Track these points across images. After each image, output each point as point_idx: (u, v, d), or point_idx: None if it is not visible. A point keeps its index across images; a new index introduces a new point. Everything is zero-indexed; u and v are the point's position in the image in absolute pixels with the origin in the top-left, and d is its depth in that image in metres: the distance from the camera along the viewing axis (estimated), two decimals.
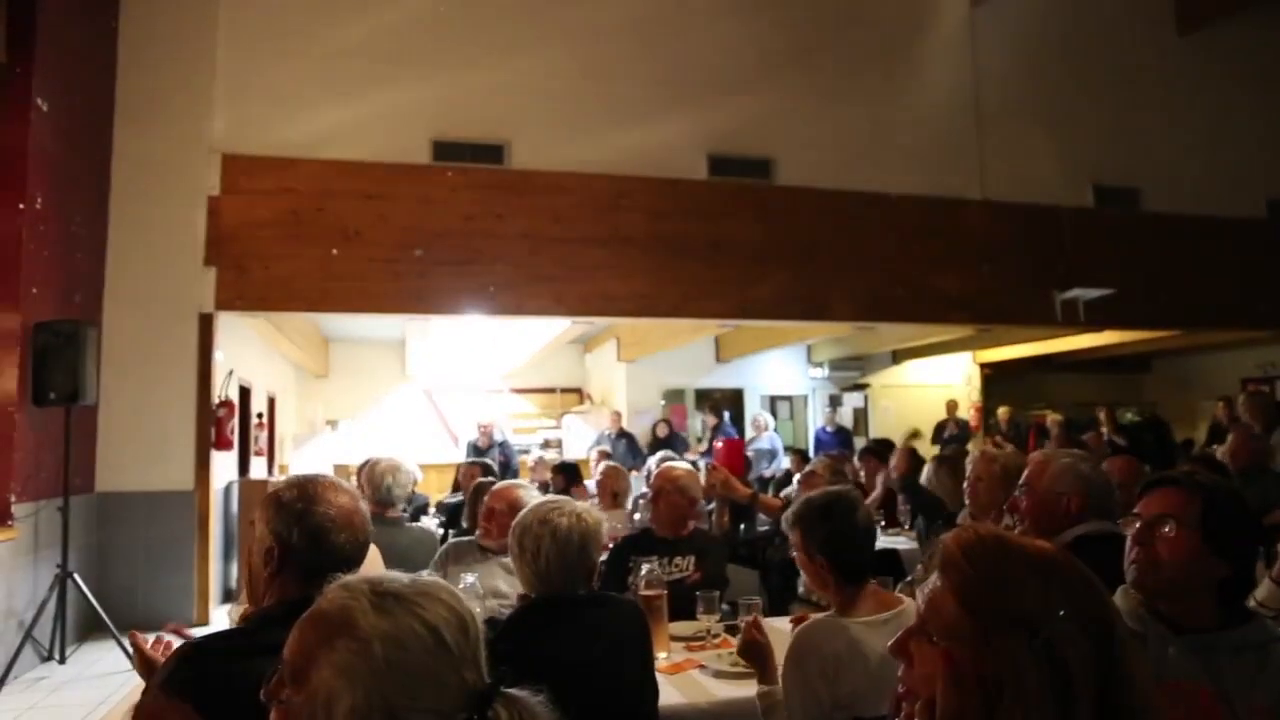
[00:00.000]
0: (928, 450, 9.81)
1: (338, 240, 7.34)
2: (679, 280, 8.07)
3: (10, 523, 5.50)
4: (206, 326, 7.13)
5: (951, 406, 12.73)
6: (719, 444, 11.09)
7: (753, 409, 13.51)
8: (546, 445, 13.43)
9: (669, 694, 2.49)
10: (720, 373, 13.77)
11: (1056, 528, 2.62)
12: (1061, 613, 1.04)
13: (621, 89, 8.27)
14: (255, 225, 7.23)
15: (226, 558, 8.05)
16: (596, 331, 13.37)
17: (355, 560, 1.80)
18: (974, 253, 8.89)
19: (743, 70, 8.66)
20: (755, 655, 2.47)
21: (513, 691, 1.10)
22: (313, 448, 13.21)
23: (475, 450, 10.65)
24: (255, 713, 1.51)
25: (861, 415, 14.38)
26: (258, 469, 10.01)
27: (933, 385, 14.06)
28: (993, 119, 9.31)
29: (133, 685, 5.16)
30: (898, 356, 14.29)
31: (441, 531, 6.05)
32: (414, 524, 4.82)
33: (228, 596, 7.91)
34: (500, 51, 8.07)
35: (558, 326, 11.11)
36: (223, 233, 7.17)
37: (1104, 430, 10.18)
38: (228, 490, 8.25)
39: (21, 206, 5.80)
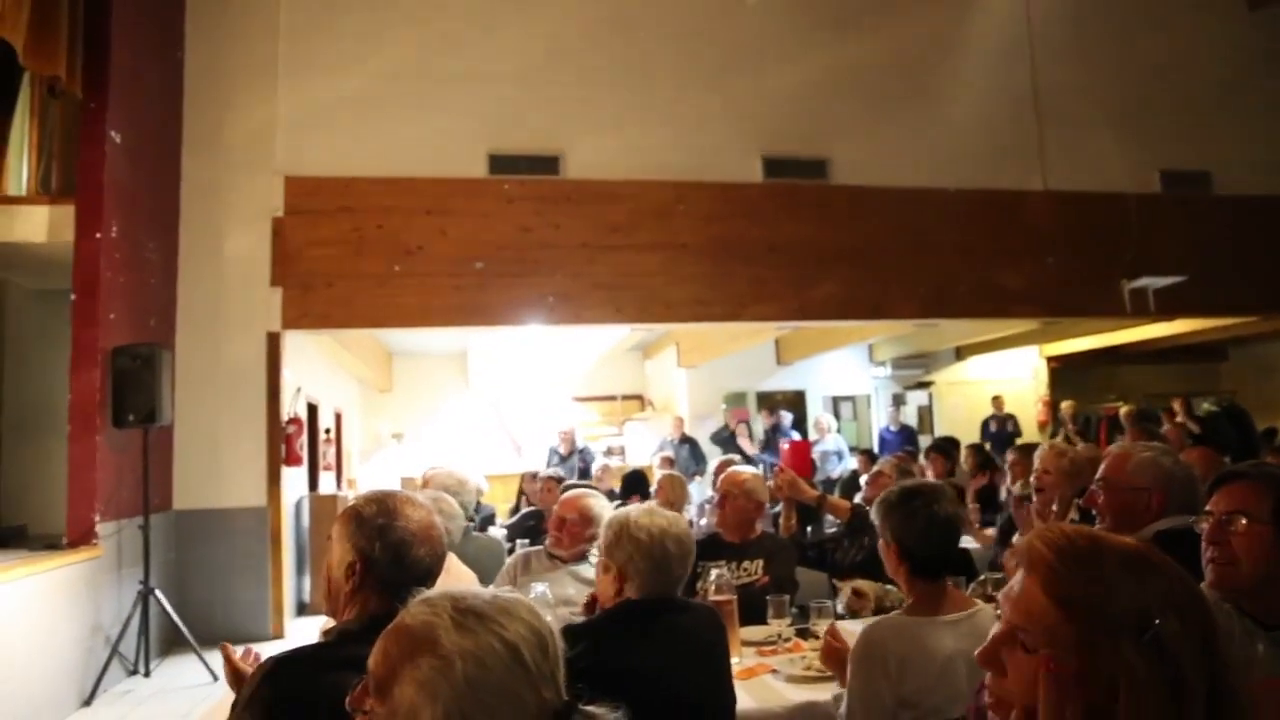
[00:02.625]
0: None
1: (399, 256, 7.46)
2: (737, 284, 8.04)
3: (95, 541, 5.68)
4: (274, 345, 7.29)
5: (998, 403, 12.48)
6: (785, 445, 11.01)
7: (815, 410, 13.40)
8: (609, 453, 13.46)
9: (742, 699, 2.48)
10: (781, 375, 13.68)
11: (1136, 524, 2.54)
12: (1165, 611, 1.00)
13: (674, 94, 8.27)
14: (318, 244, 7.37)
15: (299, 572, 8.20)
16: (656, 338, 13.38)
17: (434, 573, 1.82)
18: (1037, 244, 8.70)
19: (796, 70, 8.60)
20: (836, 661, 2.46)
21: (590, 709, 1.11)
22: (379, 462, 13.42)
23: (559, 458, 10.73)
24: None
25: (926, 413, 14.17)
26: (327, 484, 10.20)
27: (998, 381, 13.80)
28: (1052, 107, 9.10)
29: (217, 698, 5.31)
30: (961, 353, 14.05)
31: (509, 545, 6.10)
32: (480, 534, 4.87)
33: (301, 610, 8.06)
34: (553, 62, 8.12)
35: (617, 334, 11.16)
36: (287, 253, 7.33)
37: (1181, 421, 9.88)
38: (299, 506, 8.41)
39: (99, 235, 6.00)
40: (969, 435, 10.68)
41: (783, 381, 13.72)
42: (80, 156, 6.17)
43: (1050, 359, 14.06)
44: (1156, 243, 8.86)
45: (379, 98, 7.76)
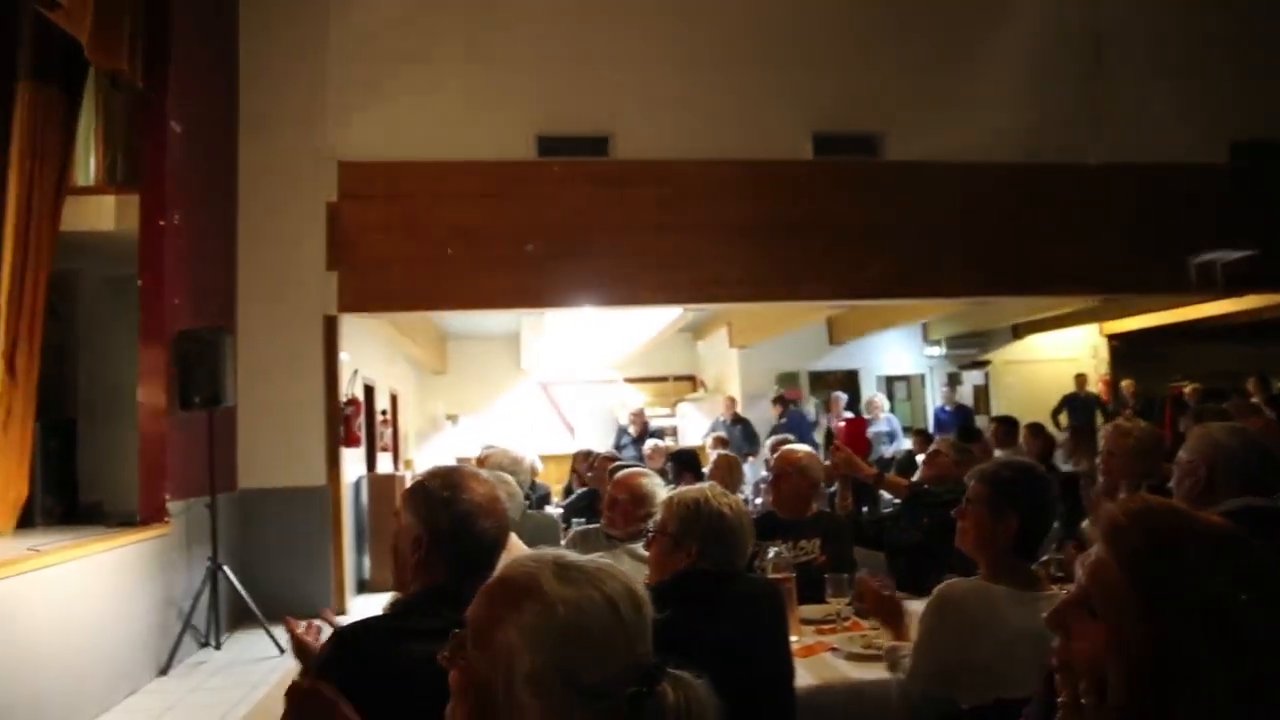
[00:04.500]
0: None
1: (451, 239, 7.54)
2: (788, 263, 7.99)
3: (166, 519, 5.89)
4: (331, 328, 7.43)
5: (1081, 380, 12.23)
6: (840, 424, 10.94)
7: (868, 390, 13.28)
8: (661, 434, 13.50)
9: (802, 677, 2.49)
10: (834, 355, 13.58)
11: (1210, 502, 2.51)
12: (1245, 593, 0.98)
13: (723, 73, 8.22)
14: (372, 228, 7.49)
15: (359, 551, 8.38)
16: (707, 318, 13.35)
17: (499, 545, 1.86)
18: (1098, 219, 8.49)
19: (845, 45, 8.49)
20: (887, 609, 2.47)
21: (677, 671, 1.13)
22: (435, 443, 13.61)
23: (630, 438, 10.80)
24: (403, 692, 1.59)
25: (982, 393, 13.97)
26: (384, 464, 10.38)
27: (1057, 360, 13.54)
28: (1112, 77, 8.86)
29: (285, 669, 5.47)
30: (1019, 331, 13.80)
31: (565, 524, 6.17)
32: (536, 512, 4.93)
33: (362, 587, 8.24)
34: (600, 44, 8.13)
35: (669, 315, 11.15)
36: (343, 237, 7.46)
37: (1256, 401, 9.59)
38: (358, 485, 8.58)
39: (162, 223, 6.17)
40: (1027, 415, 10.51)
41: (835, 361, 13.62)
42: (142, 146, 6.34)
43: (1111, 337, 13.75)
44: (1225, 216, 8.61)
45: (429, 81, 7.84)
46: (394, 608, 1.85)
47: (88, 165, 6.61)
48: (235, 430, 7.20)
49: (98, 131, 6.66)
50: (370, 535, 8.64)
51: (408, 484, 7.15)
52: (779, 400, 11.80)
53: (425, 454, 13.20)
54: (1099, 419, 11.50)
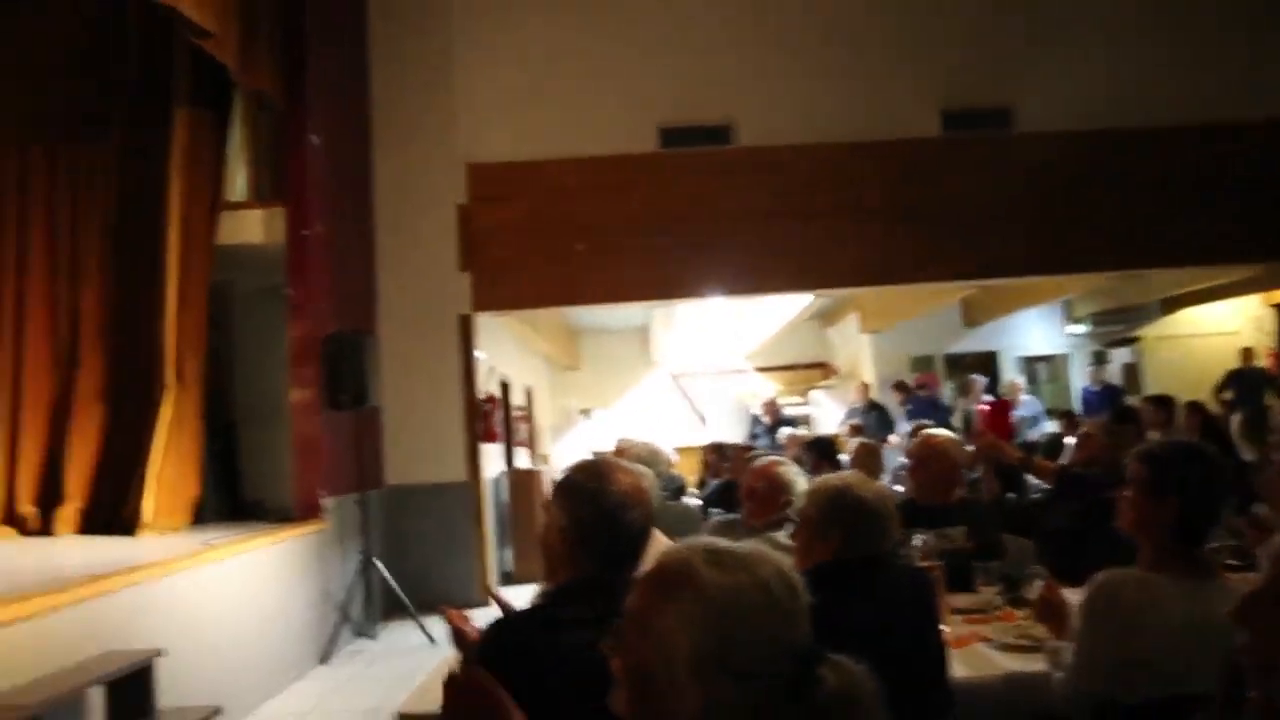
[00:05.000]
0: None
1: (579, 235, 7.63)
2: (919, 244, 7.77)
3: (321, 515, 6.19)
4: (466, 328, 7.65)
5: (1248, 354, 11.45)
6: (983, 407, 10.58)
7: (1008, 373, 12.79)
8: (795, 422, 13.35)
9: (955, 667, 2.42)
10: (970, 337, 13.14)
11: None
12: None
13: (846, 53, 8.04)
14: (502, 228, 7.66)
15: (501, 544, 8.61)
16: (837, 304, 13.12)
17: (645, 535, 1.88)
18: (1258, 179, 7.90)
19: (971, 16, 8.18)
20: (1054, 615, 2.37)
21: (836, 657, 1.13)
22: (570, 437, 13.84)
23: (764, 428, 10.77)
24: (558, 680, 1.62)
25: (1132, 371, 13.25)
26: (521, 459, 10.62)
27: (1215, 334, 12.71)
28: (1271, 21, 8.22)
29: (437, 657, 5.66)
30: (1170, 304, 13.01)
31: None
32: (675, 503, 4.95)
33: (506, 579, 8.45)
34: (720, 32, 8.08)
35: (799, 302, 11.02)
36: (474, 238, 7.66)
37: None
38: (497, 480, 8.81)
39: (306, 233, 6.48)
40: (1184, 393, 9.90)
41: (971, 343, 13.17)
42: (286, 161, 6.68)
43: (1277, 306, 12.81)
44: None
45: (551, 80, 7.96)
46: (545, 598, 1.89)
47: (238, 181, 7.01)
48: (380, 429, 7.49)
49: (246, 149, 7.06)
50: (511, 528, 8.86)
51: (545, 478, 7.35)
52: (899, 386, 11.48)
53: (560, 448, 13.44)
54: (1268, 396, 10.73)
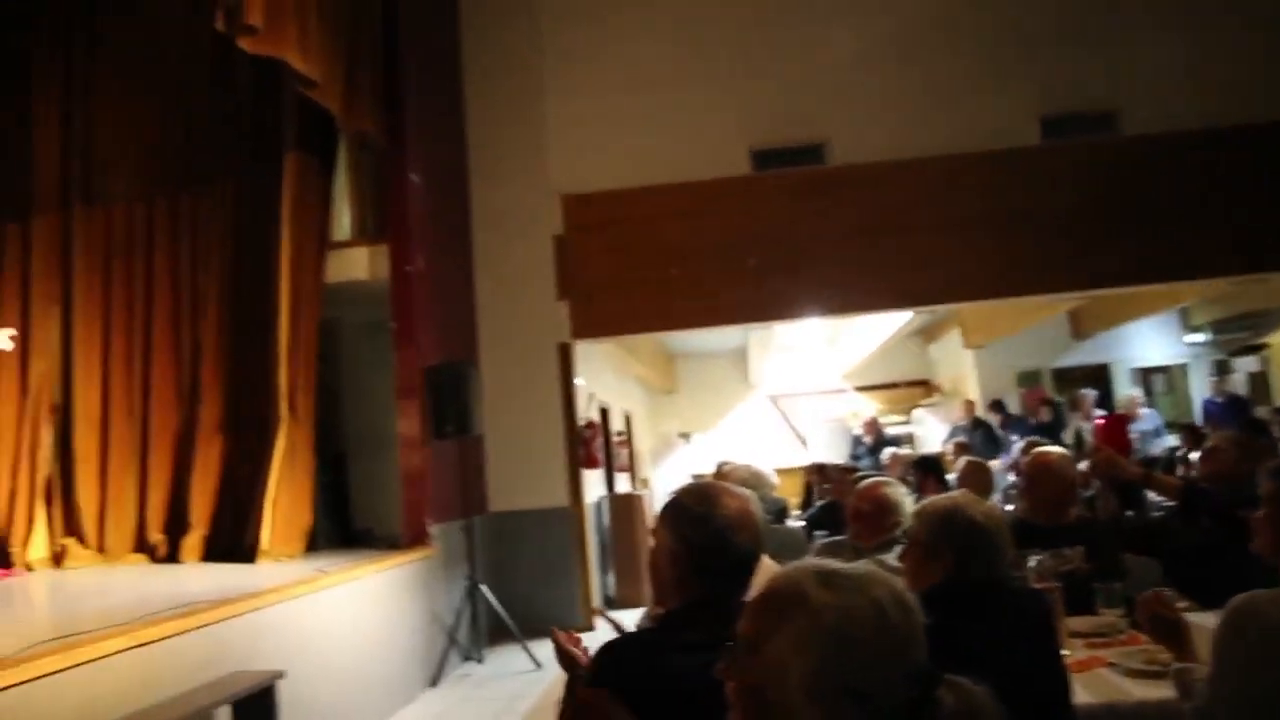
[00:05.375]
0: None
1: (673, 260, 7.67)
2: (1022, 256, 7.55)
3: (428, 542, 6.34)
4: (565, 355, 7.76)
5: None
6: (1098, 421, 10.21)
7: (1121, 386, 12.29)
8: (898, 442, 13.10)
9: (1080, 693, 2.32)
10: (1079, 350, 12.69)
11: None
12: None
13: (940, 65, 7.92)
14: (597, 256, 7.76)
15: (603, 568, 8.65)
16: (938, 320, 12.85)
17: (755, 558, 1.87)
18: None
19: (1070, 18, 7.96)
20: (1167, 630, 2.24)
21: (956, 679, 1.11)
22: (669, 461, 13.86)
23: (866, 448, 10.62)
24: (671, 703, 1.63)
25: (1260, 380, 12.58)
26: (622, 484, 10.67)
27: None
28: None
29: (545, 681, 5.72)
30: None
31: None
32: (779, 526, 4.91)
33: (608, 604, 8.48)
34: (810, 51, 8.05)
35: (898, 319, 10.84)
36: (570, 267, 7.78)
37: None
38: (599, 505, 8.87)
39: (409, 269, 6.69)
40: None
41: (1082, 356, 12.71)
42: (388, 200, 6.92)
43: None
44: None
45: (642, 109, 8.05)
46: (656, 622, 1.90)
47: (343, 221, 7.29)
48: (484, 457, 7.64)
49: (350, 190, 7.34)
50: (613, 553, 8.90)
51: (645, 503, 7.36)
52: (995, 406, 11.20)
53: (660, 473, 13.46)
54: None
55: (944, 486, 6.17)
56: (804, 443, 14.12)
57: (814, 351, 14.24)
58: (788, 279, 7.65)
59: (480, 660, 6.54)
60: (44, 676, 3.04)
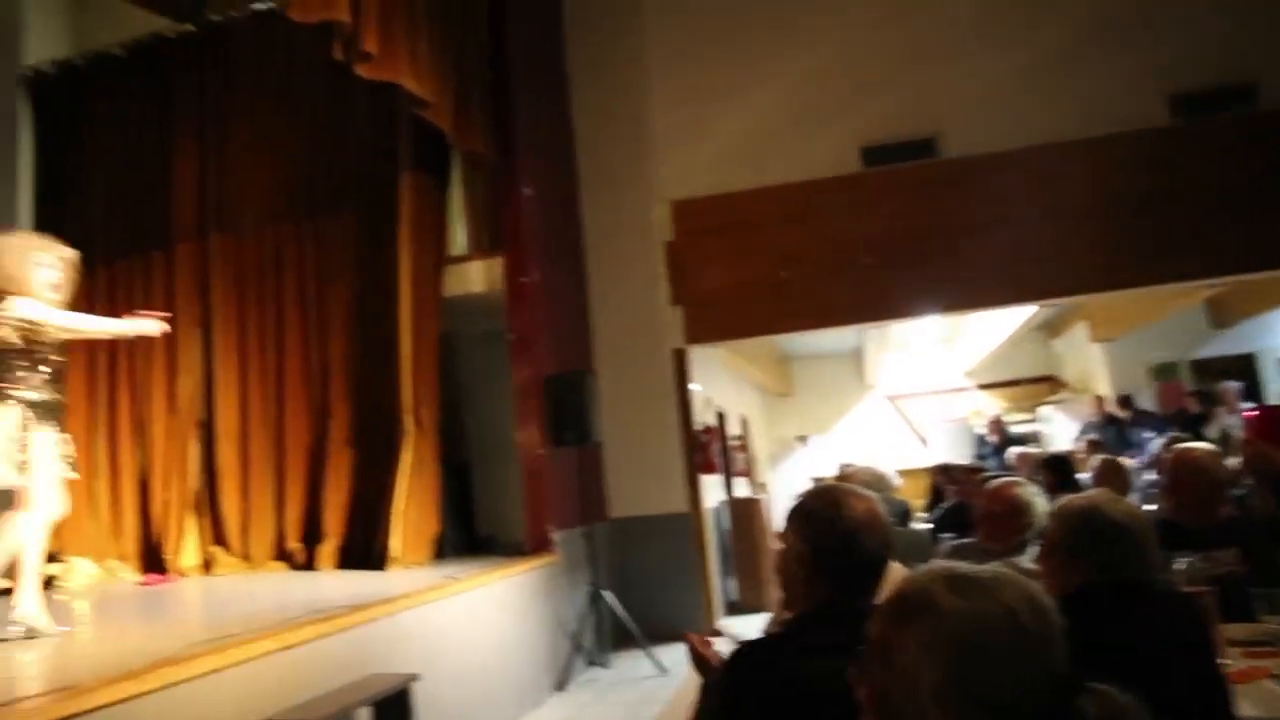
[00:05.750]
0: None
1: (784, 262, 7.61)
2: (1152, 243, 7.18)
3: (551, 549, 6.45)
4: (680, 361, 7.78)
5: None
6: (1249, 414, 9.65)
7: (1270, 377, 11.56)
8: (1024, 440, 12.65)
9: (1242, 708, 2.18)
10: (1219, 339, 11.98)
11: None
12: None
13: (1055, 46, 7.59)
14: (709, 261, 7.75)
15: (725, 573, 8.62)
16: (1062, 313, 12.37)
17: (883, 560, 1.85)
18: None
19: None
20: None
21: (1101, 686, 1.07)
22: (787, 464, 13.73)
23: (991, 448, 10.33)
24: (802, 707, 1.62)
25: None
26: (740, 488, 10.63)
27: None
28: None
29: (670, 688, 5.75)
30: None
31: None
32: (903, 529, 4.81)
33: (731, 609, 8.45)
34: (915, 42, 7.87)
35: (1020, 314, 10.48)
36: (682, 273, 7.80)
37: None
38: (718, 510, 8.85)
39: (524, 280, 6.83)
40: None
41: (1222, 346, 11.99)
42: (501, 213, 7.08)
43: None
44: None
45: (749, 111, 8.01)
46: (784, 626, 1.89)
47: (458, 236, 7.51)
48: (603, 464, 7.72)
49: (464, 205, 7.55)
50: (734, 557, 8.87)
51: (764, 507, 7.33)
52: (1124, 401, 10.67)
53: (778, 476, 13.36)
54: None
55: (1076, 486, 5.93)
56: (924, 443, 13.79)
57: (932, 350, 13.90)
58: (902, 277, 7.49)
59: (605, 665, 6.61)
60: (204, 675, 3.24)
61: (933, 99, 7.81)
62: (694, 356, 7.96)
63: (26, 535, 4.11)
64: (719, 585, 8.10)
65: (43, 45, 8.05)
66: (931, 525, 6.49)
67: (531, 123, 7.30)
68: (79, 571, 6.60)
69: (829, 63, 7.99)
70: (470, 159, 7.22)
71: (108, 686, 2.90)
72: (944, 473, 7.80)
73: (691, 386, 7.83)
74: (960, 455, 11.20)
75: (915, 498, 8.95)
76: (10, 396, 4.08)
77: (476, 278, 7.21)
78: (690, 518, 7.67)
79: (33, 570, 4.16)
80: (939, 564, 1.19)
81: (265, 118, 7.32)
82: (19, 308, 4.13)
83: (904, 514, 6.98)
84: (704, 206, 7.86)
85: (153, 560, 6.90)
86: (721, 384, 10.31)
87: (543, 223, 7.25)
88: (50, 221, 7.02)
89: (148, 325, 4.60)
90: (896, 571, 2.98)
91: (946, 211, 7.47)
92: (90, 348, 7.04)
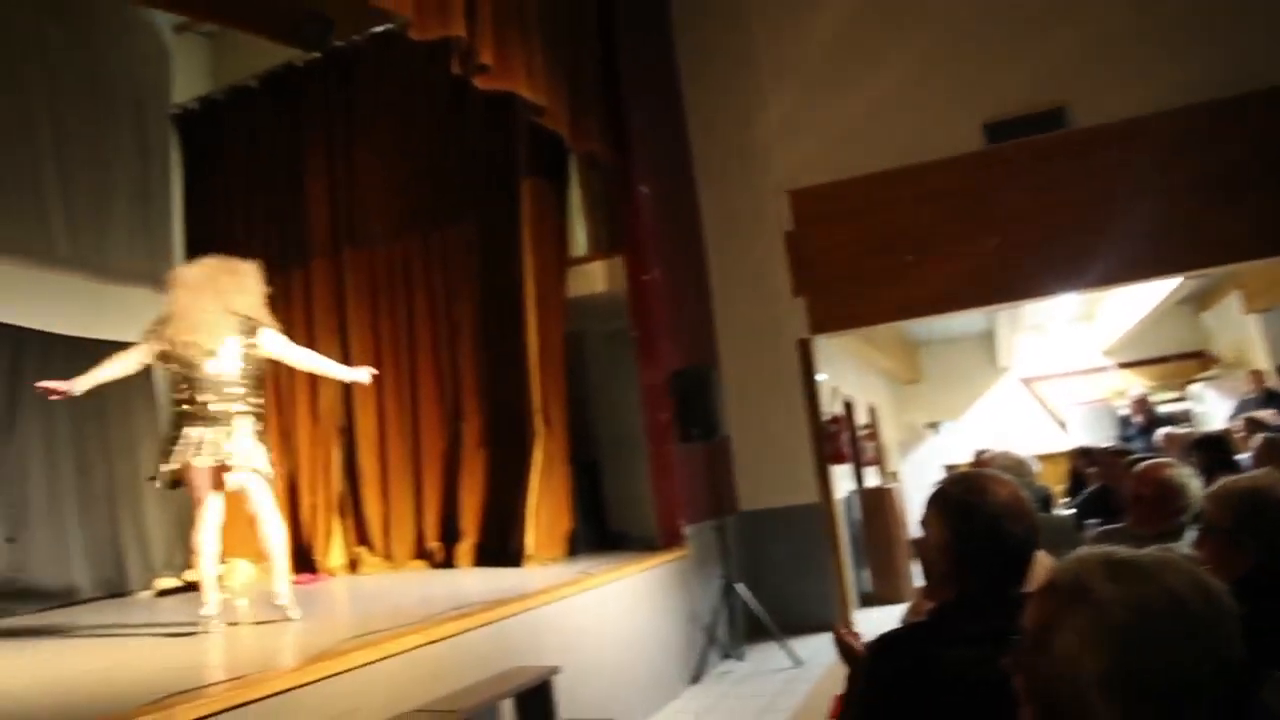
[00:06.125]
0: None
1: (908, 246, 7.42)
2: None
3: (683, 543, 6.50)
4: (805, 351, 7.69)
5: None
6: None
7: None
8: (1173, 420, 12.01)
9: None
10: None
11: None
12: None
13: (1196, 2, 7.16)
14: (830, 249, 7.63)
15: (857, 565, 8.50)
16: (1212, 284, 11.65)
17: (1029, 546, 1.80)
18: None
19: None
20: None
21: None
22: (919, 452, 13.43)
23: (1137, 429, 9.89)
24: (944, 697, 1.59)
25: None
26: (871, 478, 10.45)
27: None
28: None
29: (804, 679, 5.71)
30: None
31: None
32: (1044, 514, 4.66)
33: (864, 601, 8.32)
34: (1040, 10, 7.53)
35: (1163, 287, 9.95)
36: (803, 262, 7.71)
37: None
38: (848, 500, 8.73)
39: (645, 278, 6.89)
40: None
41: None
42: (619, 213, 7.16)
43: None
44: None
45: (864, 95, 7.82)
46: (931, 614, 1.86)
47: (579, 237, 7.63)
48: (730, 457, 7.71)
49: (583, 207, 7.67)
50: (866, 549, 8.73)
51: (896, 496, 7.21)
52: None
53: (909, 465, 13.07)
54: None
55: (1234, 468, 5.60)
56: (1063, 426, 13.25)
57: (1068, 329, 13.35)
58: (1033, 255, 7.20)
59: (740, 658, 6.61)
60: (358, 668, 3.41)
61: (1060, 67, 7.45)
62: (819, 346, 7.86)
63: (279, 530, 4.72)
64: (852, 577, 7.98)
65: (187, 84, 8.62)
66: (1074, 511, 6.24)
67: (645, 120, 7.34)
68: (239, 571, 7.04)
69: (946, 38, 7.74)
70: (587, 160, 7.32)
71: (276, 677, 3.10)
72: (1084, 456, 7.49)
73: (817, 376, 7.73)
74: (1101, 438, 10.74)
75: (1053, 484, 8.63)
76: (253, 412, 4.68)
77: (598, 277, 7.32)
78: (821, 508, 7.58)
79: (283, 558, 4.78)
80: (1096, 549, 1.15)
81: (388, 135, 7.60)
82: (270, 343, 4.71)
83: (1045, 500, 6.72)
84: (823, 194, 7.74)
85: (303, 560, 7.27)
86: (848, 373, 10.16)
87: (661, 219, 7.29)
88: (199, 245, 7.51)
89: (361, 374, 4.99)
90: (1043, 560, 2.90)
91: (1080, 184, 7.14)
92: None
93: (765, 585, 7.20)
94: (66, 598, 6.61)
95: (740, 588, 6.59)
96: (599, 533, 7.36)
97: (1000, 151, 7.43)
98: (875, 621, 6.97)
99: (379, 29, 7.43)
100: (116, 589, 7.03)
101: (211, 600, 4.55)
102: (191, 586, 6.42)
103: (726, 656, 6.65)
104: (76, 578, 6.77)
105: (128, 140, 7.84)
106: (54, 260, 7.00)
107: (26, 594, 6.37)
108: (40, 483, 6.69)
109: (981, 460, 4.57)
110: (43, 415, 6.57)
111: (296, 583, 6.92)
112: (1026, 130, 7.41)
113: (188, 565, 7.09)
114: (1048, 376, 13.93)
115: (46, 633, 5.27)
